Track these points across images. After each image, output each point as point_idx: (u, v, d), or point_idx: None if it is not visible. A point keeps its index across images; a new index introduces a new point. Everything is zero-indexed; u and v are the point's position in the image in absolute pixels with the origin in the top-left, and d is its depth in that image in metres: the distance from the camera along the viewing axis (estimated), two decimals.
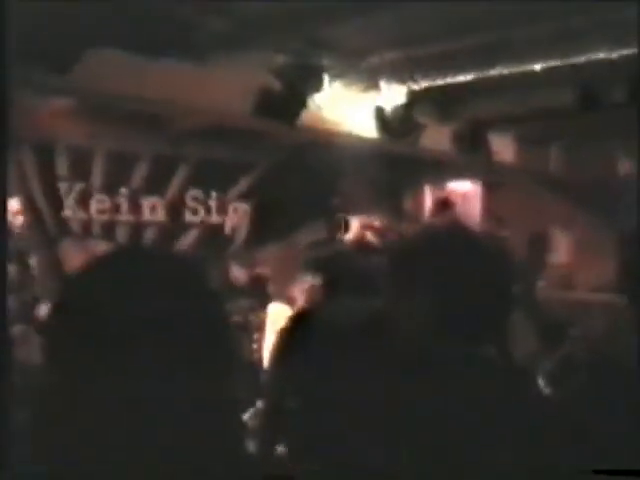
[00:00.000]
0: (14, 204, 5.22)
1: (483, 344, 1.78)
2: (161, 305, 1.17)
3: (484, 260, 1.78)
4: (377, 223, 6.66)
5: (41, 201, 6.58)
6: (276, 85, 5.64)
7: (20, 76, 5.15)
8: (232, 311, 6.01)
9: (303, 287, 4.70)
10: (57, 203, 6.70)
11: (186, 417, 1.15)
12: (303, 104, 5.71)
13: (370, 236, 6.05)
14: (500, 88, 6.03)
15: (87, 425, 1.13)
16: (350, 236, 6.17)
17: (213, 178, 7.48)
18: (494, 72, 5.38)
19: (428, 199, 8.49)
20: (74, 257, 6.47)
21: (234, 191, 7.70)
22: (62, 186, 6.72)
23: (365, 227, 6.45)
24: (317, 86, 5.72)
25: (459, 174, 8.64)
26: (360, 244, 5.98)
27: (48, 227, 6.63)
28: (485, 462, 1.57)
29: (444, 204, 7.07)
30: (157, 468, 1.12)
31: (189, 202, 7.47)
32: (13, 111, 2.43)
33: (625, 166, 8.36)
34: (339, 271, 3.95)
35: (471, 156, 7.51)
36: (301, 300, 4.66)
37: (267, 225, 7.68)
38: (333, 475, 1.54)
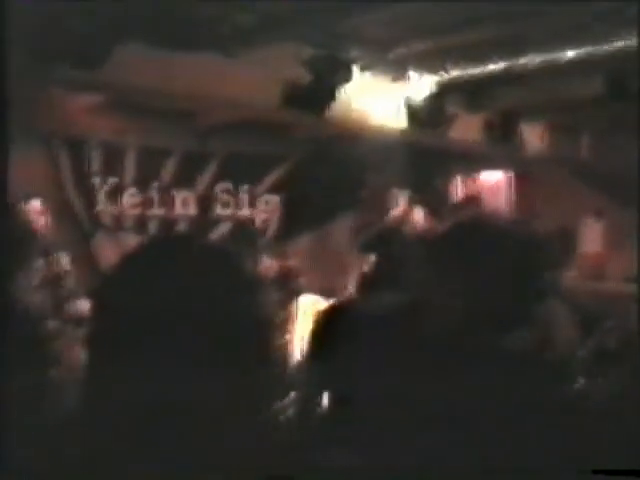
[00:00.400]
0: (37, 204, 5.29)
1: (516, 331, 1.78)
2: (201, 295, 1.18)
3: (514, 249, 1.79)
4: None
5: (74, 196, 6.66)
6: (304, 77, 5.64)
7: (52, 73, 5.22)
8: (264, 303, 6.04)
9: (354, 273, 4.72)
10: (90, 198, 6.78)
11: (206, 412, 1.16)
12: (332, 96, 5.71)
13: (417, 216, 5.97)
14: (530, 77, 5.98)
15: (131, 413, 1.14)
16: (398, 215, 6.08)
17: (243, 171, 7.52)
18: (524, 61, 5.34)
19: (459, 190, 8.45)
20: (107, 251, 6.54)
21: (264, 184, 7.72)
22: (95, 181, 6.80)
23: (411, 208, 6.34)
24: (346, 78, 5.71)
25: (490, 164, 8.59)
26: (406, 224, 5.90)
27: (81, 222, 6.71)
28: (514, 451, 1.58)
29: (472, 198, 7.03)
30: (157, 468, 1.13)
31: (220, 195, 7.51)
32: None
33: None
34: (392, 251, 3.96)
35: (502, 146, 7.47)
36: (351, 286, 4.69)
37: (297, 218, 7.70)
38: (333, 475, 1.55)
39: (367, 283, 4.10)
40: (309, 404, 3.12)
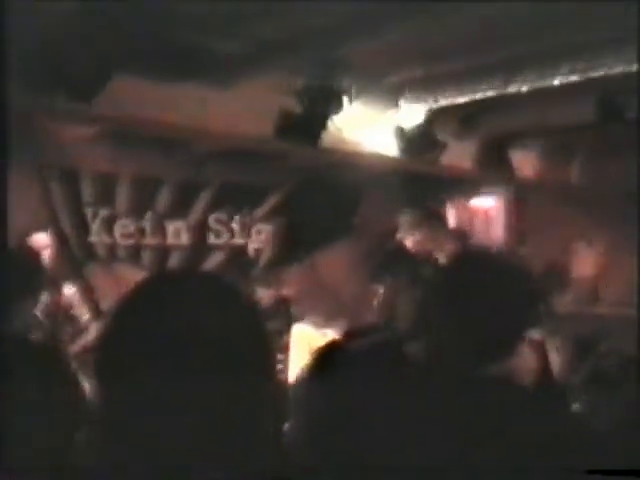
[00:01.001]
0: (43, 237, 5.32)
1: (508, 361, 1.79)
2: (205, 325, 1.20)
3: (508, 282, 1.81)
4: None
5: (67, 227, 6.66)
6: (296, 107, 5.68)
7: (45, 104, 5.25)
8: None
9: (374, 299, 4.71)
10: (83, 228, 6.78)
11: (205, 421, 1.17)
12: (323, 125, 5.74)
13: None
14: (520, 104, 6.03)
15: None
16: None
17: (236, 201, 7.53)
18: (513, 88, 5.38)
19: (451, 216, 8.47)
20: (101, 282, 6.54)
21: (257, 213, 7.73)
22: (88, 211, 6.81)
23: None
24: (337, 107, 5.75)
25: (482, 191, 8.62)
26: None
27: (75, 253, 6.71)
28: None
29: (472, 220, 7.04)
30: (157, 468, 1.13)
31: (213, 225, 7.51)
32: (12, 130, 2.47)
33: None
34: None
35: (493, 172, 7.51)
36: (373, 313, 4.69)
37: (291, 246, 7.70)
38: (333, 475, 1.55)
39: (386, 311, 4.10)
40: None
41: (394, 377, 2.74)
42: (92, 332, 4.87)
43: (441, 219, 6.12)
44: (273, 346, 1.43)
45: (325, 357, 3.29)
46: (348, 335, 3.45)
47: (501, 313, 1.77)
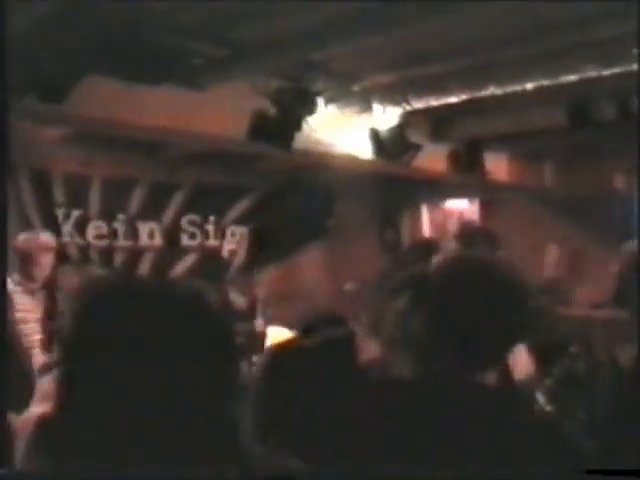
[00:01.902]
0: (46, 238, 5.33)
1: (488, 370, 1.79)
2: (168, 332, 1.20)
3: (495, 289, 1.81)
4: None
5: (39, 228, 6.60)
6: (271, 109, 5.68)
7: (16, 105, 5.20)
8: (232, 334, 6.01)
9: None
10: (55, 230, 6.73)
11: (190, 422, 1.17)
12: (298, 127, 5.75)
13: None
14: (493, 108, 6.08)
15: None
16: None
17: (210, 202, 7.52)
18: (486, 92, 5.42)
19: (425, 219, 8.52)
20: (73, 284, 6.49)
21: (231, 215, 7.73)
22: (59, 213, 6.76)
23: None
24: (311, 109, 5.75)
25: (456, 194, 8.68)
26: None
27: None
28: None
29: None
30: (157, 469, 1.14)
31: (186, 226, 7.50)
32: (11, 138, 2.45)
33: (618, 181, 8.42)
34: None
35: (466, 175, 7.55)
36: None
37: (265, 248, 7.70)
38: (333, 475, 1.56)
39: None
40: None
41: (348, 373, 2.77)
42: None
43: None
44: (238, 349, 1.43)
45: (278, 354, 3.30)
46: (304, 331, 3.45)
47: (490, 320, 1.77)
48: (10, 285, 4.97)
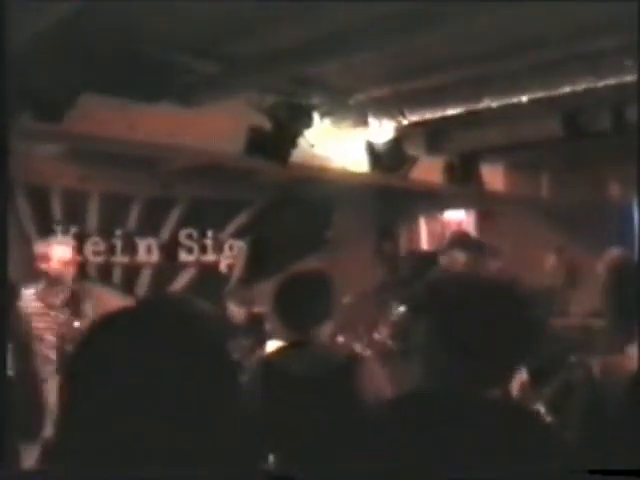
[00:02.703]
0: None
1: (496, 387, 1.80)
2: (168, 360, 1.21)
3: (500, 309, 1.81)
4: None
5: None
6: (266, 124, 5.70)
7: (13, 123, 5.20)
8: (231, 350, 6.01)
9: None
10: None
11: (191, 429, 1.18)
12: (294, 142, 5.76)
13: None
14: (488, 120, 6.10)
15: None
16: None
17: (207, 217, 7.53)
18: (482, 104, 5.44)
19: (422, 230, 8.53)
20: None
21: (229, 229, 7.74)
22: (57, 229, 6.77)
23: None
24: (307, 124, 5.77)
25: (452, 205, 8.69)
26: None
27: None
28: None
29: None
30: (157, 469, 1.14)
31: (184, 241, 7.51)
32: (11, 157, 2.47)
33: (613, 190, 8.45)
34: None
35: (463, 187, 7.57)
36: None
37: (263, 262, 7.71)
38: (333, 475, 1.56)
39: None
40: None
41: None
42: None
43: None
44: (233, 365, 1.44)
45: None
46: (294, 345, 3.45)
47: (497, 339, 1.77)
48: (31, 298, 4.95)
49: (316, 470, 1.42)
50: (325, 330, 3.13)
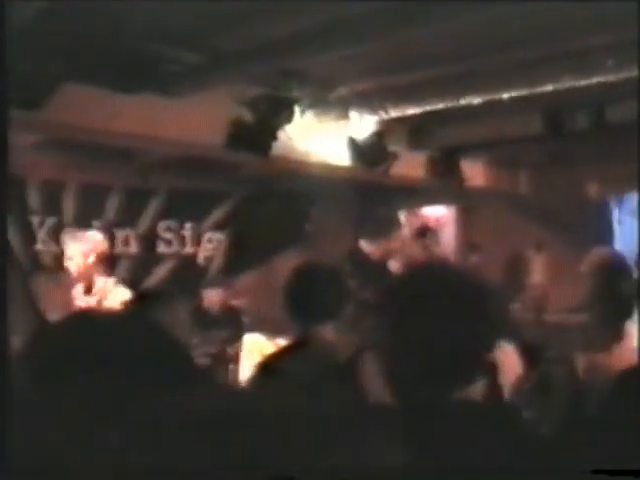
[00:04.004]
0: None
1: (471, 383, 1.78)
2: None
3: (466, 297, 1.80)
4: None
5: (13, 236, 6.53)
6: (247, 117, 5.67)
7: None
8: (208, 342, 5.99)
9: None
10: (29, 237, 6.66)
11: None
12: (275, 135, 5.74)
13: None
14: (470, 116, 6.10)
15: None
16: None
17: (186, 209, 7.48)
18: (464, 101, 5.44)
19: (403, 226, 8.52)
20: (48, 291, 6.43)
21: (208, 221, 7.69)
22: (34, 220, 6.70)
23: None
24: (288, 117, 5.75)
25: (433, 200, 8.70)
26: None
27: (21, 262, 6.59)
28: None
29: (423, 231, 7.10)
30: (158, 468, 1.13)
31: (162, 233, 7.45)
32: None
33: (591, 188, 8.52)
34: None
35: (444, 182, 7.58)
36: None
37: (242, 255, 7.68)
38: (333, 475, 1.54)
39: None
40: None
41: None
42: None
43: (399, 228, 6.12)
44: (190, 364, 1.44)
45: (266, 370, 3.28)
46: (289, 348, 3.44)
47: (459, 331, 1.75)
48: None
49: (316, 470, 1.41)
50: (330, 328, 3.09)
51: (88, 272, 4.99)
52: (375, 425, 1.72)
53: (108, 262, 5.36)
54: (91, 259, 5.01)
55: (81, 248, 5.03)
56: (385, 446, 1.58)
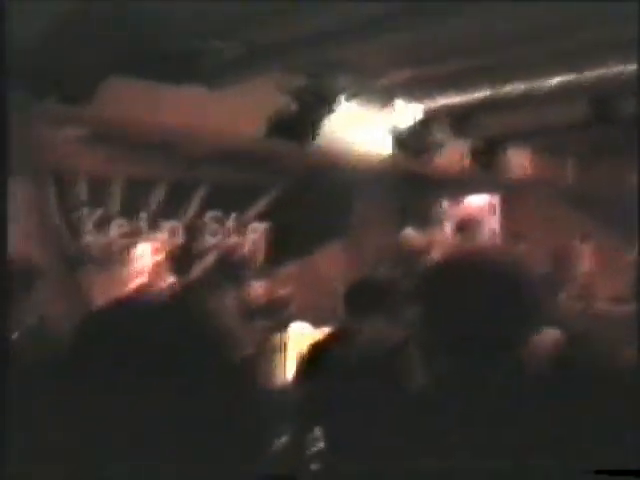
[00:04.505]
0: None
1: (510, 368, 1.78)
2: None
3: (505, 282, 1.80)
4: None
5: (62, 228, 6.65)
6: (290, 107, 5.68)
7: (37, 108, 5.23)
8: (254, 332, 6.03)
9: None
10: (78, 229, 6.77)
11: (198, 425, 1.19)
12: (317, 125, 5.74)
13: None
14: (515, 104, 6.04)
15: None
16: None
17: (230, 200, 7.53)
18: (508, 88, 5.39)
19: (447, 216, 8.48)
20: (96, 282, 6.53)
21: (252, 212, 7.74)
22: (82, 212, 6.80)
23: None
24: (331, 107, 5.75)
25: (476, 190, 8.63)
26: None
27: (69, 253, 6.70)
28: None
29: (466, 221, 7.06)
30: (158, 468, 1.15)
31: (207, 224, 7.52)
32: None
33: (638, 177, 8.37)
34: None
35: (488, 171, 7.52)
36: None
37: (286, 245, 7.71)
38: (334, 475, 1.56)
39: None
40: (301, 437, 3.11)
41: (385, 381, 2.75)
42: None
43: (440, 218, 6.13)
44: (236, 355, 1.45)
45: (311, 358, 3.31)
46: (334, 336, 3.46)
47: (498, 319, 1.75)
48: None
49: (316, 470, 1.42)
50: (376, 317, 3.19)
51: (155, 270, 5.07)
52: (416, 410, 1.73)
53: (175, 260, 5.44)
54: (158, 257, 5.09)
55: (150, 246, 5.12)
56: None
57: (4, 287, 2.18)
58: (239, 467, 1.22)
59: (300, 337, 5.75)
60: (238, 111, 5.75)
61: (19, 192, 5.92)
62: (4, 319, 2.18)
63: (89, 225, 6.84)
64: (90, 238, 6.84)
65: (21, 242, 5.17)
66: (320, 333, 5.17)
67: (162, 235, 7.17)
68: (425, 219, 8.39)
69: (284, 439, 3.11)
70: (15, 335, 4.37)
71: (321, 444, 3.01)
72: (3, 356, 2.08)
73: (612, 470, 1.54)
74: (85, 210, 6.79)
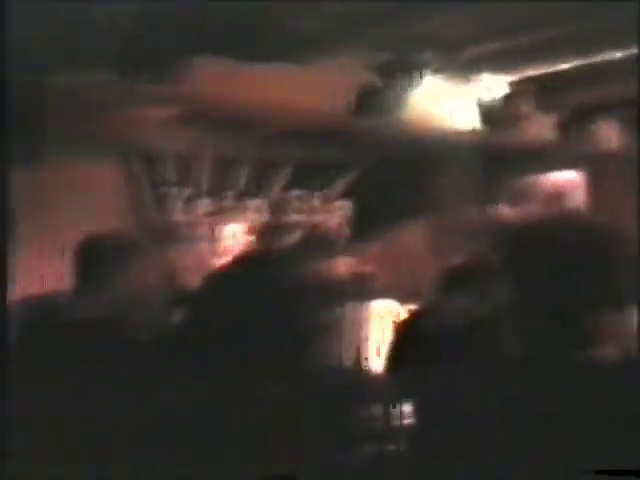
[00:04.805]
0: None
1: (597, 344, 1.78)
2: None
3: (593, 262, 1.79)
4: None
5: (151, 207, 6.80)
6: (375, 82, 5.68)
7: (124, 88, 5.36)
8: (337, 307, 6.07)
9: None
10: (166, 208, 6.91)
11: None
12: (403, 100, 5.73)
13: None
14: (604, 75, 5.90)
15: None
16: None
17: (315, 178, 7.56)
18: (597, 59, 5.28)
19: (534, 189, 8.34)
20: (183, 259, 6.66)
21: (336, 189, 7.75)
22: (171, 191, 6.93)
23: None
24: (416, 81, 5.72)
25: (564, 164, 8.46)
26: None
27: (158, 230, 6.85)
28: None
29: (554, 195, 6.94)
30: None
31: (292, 202, 7.57)
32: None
33: None
34: None
35: (575, 145, 7.37)
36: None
37: (370, 222, 7.70)
38: (334, 475, 1.58)
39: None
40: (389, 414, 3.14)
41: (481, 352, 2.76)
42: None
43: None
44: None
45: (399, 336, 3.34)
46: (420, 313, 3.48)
47: (587, 291, 1.75)
48: None
49: (316, 470, 1.45)
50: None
51: (245, 247, 5.17)
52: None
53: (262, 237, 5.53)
54: (250, 237, 5.20)
55: (241, 226, 5.22)
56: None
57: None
58: (239, 467, 1.25)
59: (385, 313, 5.77)
60: (324, 88, 5.77)
61: (110, 171, 6.08)
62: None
63: (178, 204, 6.98)
64: (178, 216, 6.97)
65: (112, 219, 5.32)
66: (405, 309, 5.19)
67: (250, 214, 7.26)
68: (512, 194, 8.27)
69: (372, 412, 3.15)
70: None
71: (410, 418, 3.04)
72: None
73: (612, 470, 1.53)
74: (174, 189, 6.93)
